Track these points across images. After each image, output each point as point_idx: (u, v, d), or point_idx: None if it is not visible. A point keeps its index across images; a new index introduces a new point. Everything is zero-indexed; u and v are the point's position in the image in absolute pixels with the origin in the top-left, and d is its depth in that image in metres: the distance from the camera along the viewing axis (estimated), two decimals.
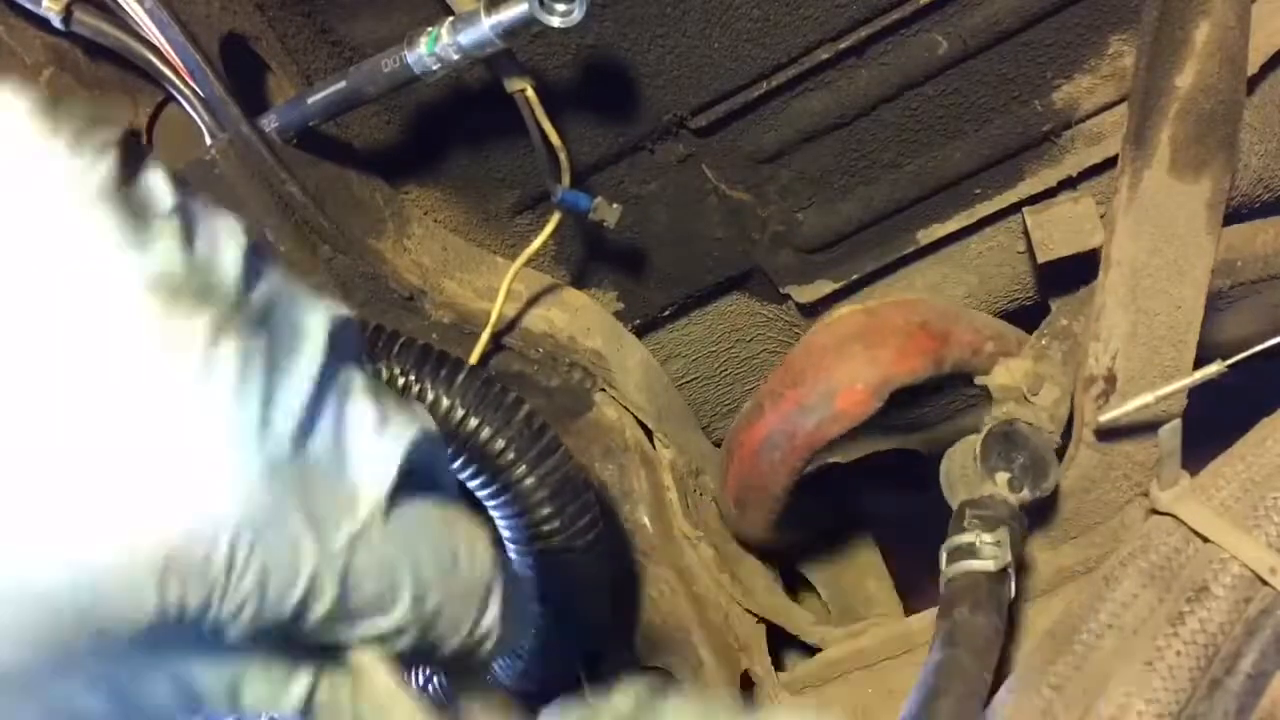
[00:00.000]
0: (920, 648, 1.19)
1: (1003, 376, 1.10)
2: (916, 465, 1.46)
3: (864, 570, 1.51)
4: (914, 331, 1.10)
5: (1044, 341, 1.14)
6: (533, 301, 1.22)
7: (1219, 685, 0.91)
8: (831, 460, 1.37)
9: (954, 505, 1.07)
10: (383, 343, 0.92)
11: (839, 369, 1.09)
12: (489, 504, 0.97)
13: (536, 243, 1.09)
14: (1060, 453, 1.11)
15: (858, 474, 1.43)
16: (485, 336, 1.11)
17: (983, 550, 1.00)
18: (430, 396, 0.91)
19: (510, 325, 1.19)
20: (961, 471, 1.08)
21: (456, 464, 0.95)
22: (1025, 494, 1.04)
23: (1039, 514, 1.13)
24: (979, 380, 1.13)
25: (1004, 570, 1.00)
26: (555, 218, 1.08)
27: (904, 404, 1.13)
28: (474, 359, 1.09)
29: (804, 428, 1.10)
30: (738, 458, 1.16)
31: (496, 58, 0.98)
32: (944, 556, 1.03)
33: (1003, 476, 1.04)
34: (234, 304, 0.46)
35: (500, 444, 0.93)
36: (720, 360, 1.43)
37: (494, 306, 1.15)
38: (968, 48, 1.12)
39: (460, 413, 0.92)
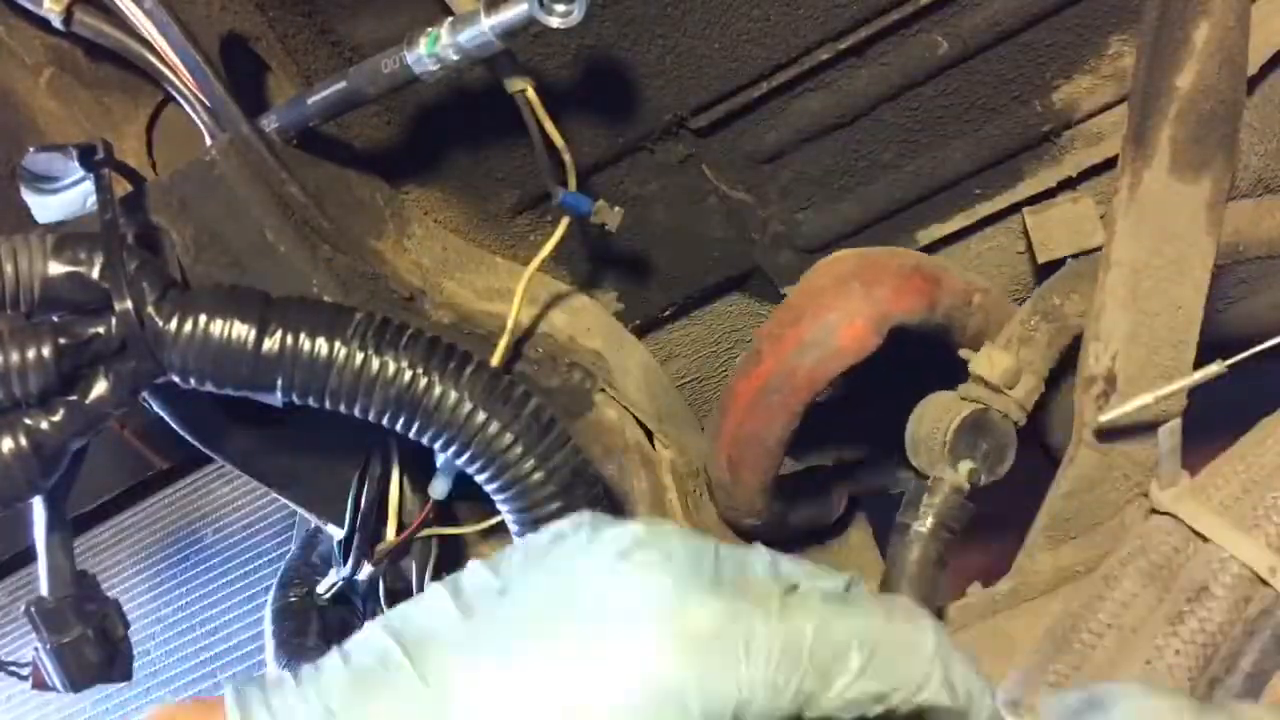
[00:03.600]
0: None
1: (984, 366, 1.12)
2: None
3: (862, 569, 1.51)
4: (909, 273, 1.12)
5: (1033, 322, 1.14)
6: (532, 302, 1.22)
7: (1218, 685, 0.91)
8: (814, 463, 1.37)
9: (912, 461, 1.13)
10: (390, 335, 0.92)
11: (838, 305, 1.10)
12: (497, 498, 0.97)
13: (547, 248, 1.09)
14: (1053, 452, 1.12)
15: (846, 474, 1.43)
16: (504, 343, 1.11)
17: (931, 540, 1.08)
18: (438, 390, 0.91)
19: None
20: (927, 440, 1.11)
21: (462, 459, 0.94)
22: (981, 481, 1.10)
23: (1039, 514, 1.13)
24: (962, 354, 1.14)
25: (940, 561, 1.08)
26: (564, 223, 1.08)
27: (896, 389, 1.13)
28: (496, 363, 1.09)
29: (804, 366, 1.11)
30: (734, 409, 1.16)
31: (496, 58, 0.98)
32: (894, 531, 1.10)
33: (965, 466, 1.09)
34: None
35: (508, 438, 0.93)
36: (720, 360, 1.43)
37: (500, 309, 1.15)
38: (968, 48, 1.12)
39: (468, 407, 0.92)
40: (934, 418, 1.12)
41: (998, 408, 1.11)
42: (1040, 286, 1.18)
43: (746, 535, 1.31)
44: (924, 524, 1.08)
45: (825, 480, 1.41)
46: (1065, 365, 1.17)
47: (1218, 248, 1.04)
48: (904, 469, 1.46)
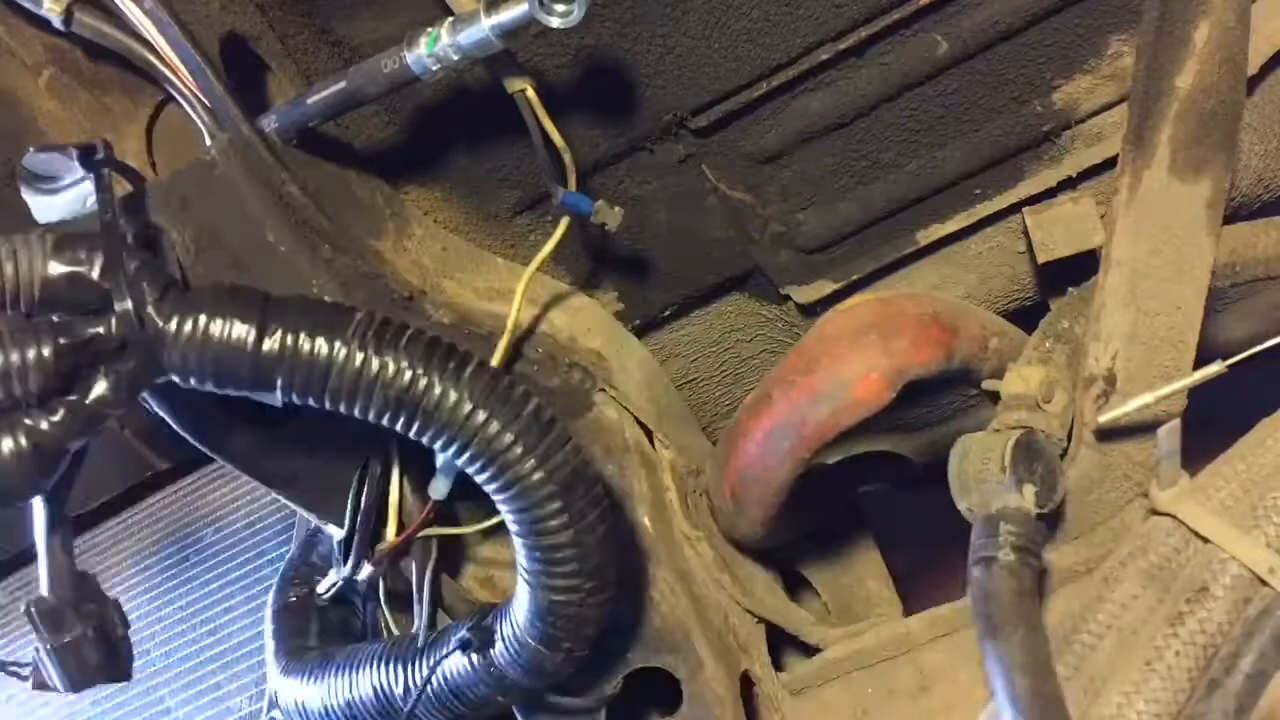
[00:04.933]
0: (920, 648, 1.19)
1: (1016, 384, 1.09)
2: (908, 464, 1.46)
3: (864, 570, 1.51)
4: (927, 323, 1.10)
5: (1047, 345, 1.14)
6: (532, 302, 1.22)
7: (1218, 685, 0.91)
8: (820, 461, 1.37)
9: (964, 507, 1.05)
10: (390, 335, 0.92)
11: (855, 357, 1.08)
12: (497, 498, 0.97)
13: (547, 248, 1.09)
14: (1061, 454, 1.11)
15: (849, 474, 1.43)
16: (504, 343, 1.11)
17: (1021, 568, 0.97)
18: (437, 390, 0.91)
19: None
20: (979, 475, 1.05)
21: (462, 459, 0.94)
22: (1047, 508, 1.02)
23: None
24: (988, 385, 1.13)
25: (1038, 584, 0.98)
26: (564, 223, 1.08)
27: (903, 404, 1.12)
28: (496, 363, 1.09)
29: (815, 417, 1.09)
30: (740, 448, 1.15)
31: (496, 58, 0.98)
32: (976, 568, 0.98)
33: (1030, 490, 1.01)
34: None
35: (508, 439, 0.93)
36: (720, 360, 1.43)
37: (500, 309, 1.15)
38: (968, 48, 1.12)
39: (468, 407, 0.92)
40: (981, 453, 1.05)
41: (1041, 427, 1.06)
42: (1048, 315, 1.18)
43: (744, 548, 1.31)
44: (1008, 553, 0.96)
45: (826, 483, 1.40)
46: None
47: (1215, 259, 1.04)
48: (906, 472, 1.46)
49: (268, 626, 1.25)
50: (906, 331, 1.08)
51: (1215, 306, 1.17)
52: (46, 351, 0.88)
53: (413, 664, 1.08)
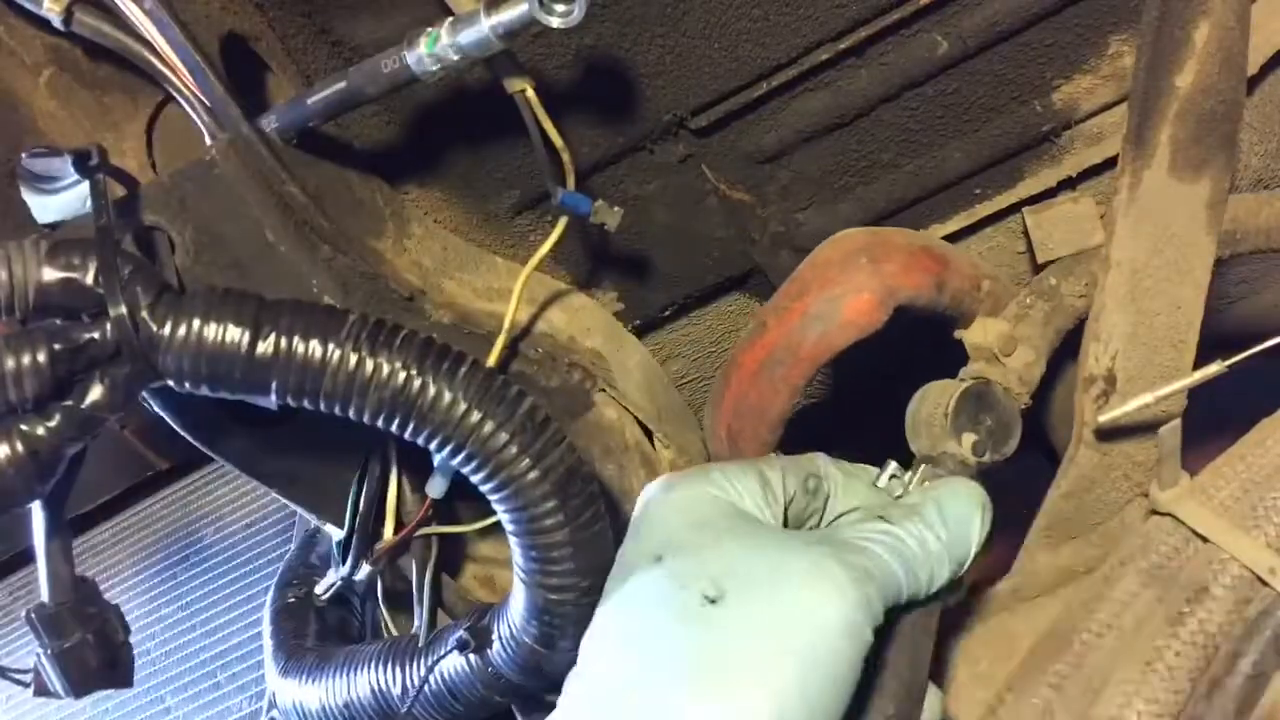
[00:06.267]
0: None
1: (977, 335, 1.10)
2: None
3: None
4: (917, 251, 1.11)
5: (1029, 300, 1.14)
6: (531, 301, 1.22)
7: (1218, 686, 0.91)
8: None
9: (912, 447, 1.07)
10: (384, 337, 0.92)
11: (845, 280, 1.09)
12: (492, 498, 0.97)
13: (545, 248, 1.09)
14: (1053, 452, 1.11)
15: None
16: (500, 343, 1.11)
17: None
18: (432, 390, 0.91)
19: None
20: (928, 420, 1.06)
21: (458, 459, 0.94)
22: (987, 458, 1.04)
23: (1039, 514, 1.13)
24: (957, 334, 1.13)
25: None
26: (563, 223, 1.08)
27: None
28: (492, 362, 1.09)
29: (809, 339, 1.09)
30: (736, 380, 1.16)
31: (496, 58, 0.98)
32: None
33: (969, 439, 1.03)
34: None
35: (503, 438, 0.93)
36: (720, 360, 1.43)
37: (500, 309, 1.15)
38: (968, 48, 1.12)
39: (462, 407, 0.92)
40: (935, 398, 1.07)
41: (997, 379, 1.07)
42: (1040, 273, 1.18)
43: None
44: None
45: None
46: (1065, 363, 1.17)
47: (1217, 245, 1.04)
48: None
49: (266, 626, 1.25)
50: (896, 256, 1.10)
51: (1216, 306, 1.17)
52: (42, 357, 0.87)
53: (410, 665, 1.08)
